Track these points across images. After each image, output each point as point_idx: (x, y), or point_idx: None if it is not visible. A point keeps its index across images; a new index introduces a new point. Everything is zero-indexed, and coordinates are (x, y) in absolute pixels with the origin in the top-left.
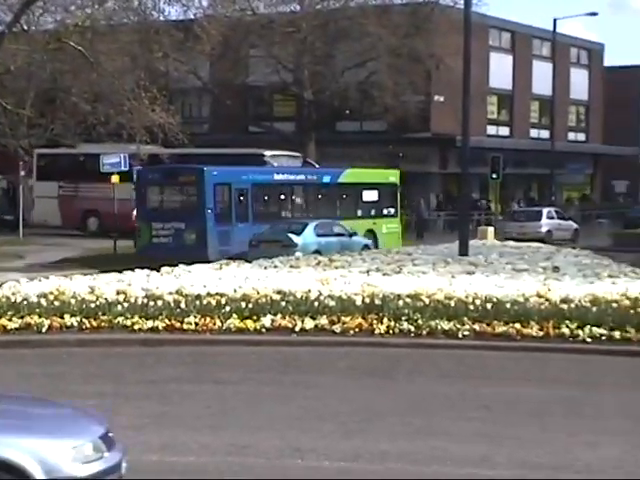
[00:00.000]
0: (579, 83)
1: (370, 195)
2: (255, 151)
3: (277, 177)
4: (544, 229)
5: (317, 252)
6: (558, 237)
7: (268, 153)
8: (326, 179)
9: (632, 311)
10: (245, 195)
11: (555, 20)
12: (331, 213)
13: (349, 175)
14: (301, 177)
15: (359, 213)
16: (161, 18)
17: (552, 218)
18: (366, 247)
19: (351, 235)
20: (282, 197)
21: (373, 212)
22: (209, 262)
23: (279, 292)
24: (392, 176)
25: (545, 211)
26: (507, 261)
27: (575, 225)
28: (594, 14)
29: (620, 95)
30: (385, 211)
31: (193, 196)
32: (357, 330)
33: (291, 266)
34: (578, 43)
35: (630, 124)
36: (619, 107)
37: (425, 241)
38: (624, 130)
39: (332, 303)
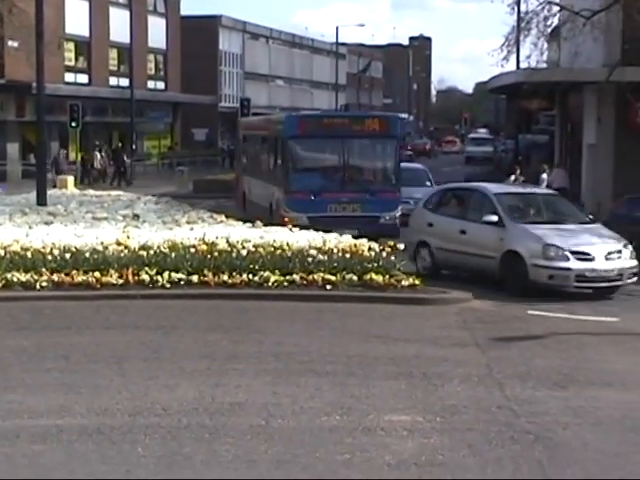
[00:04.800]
0: (157, 31)
1: None
2: None
3: None
4: None
5: None
6: None
7: None
8: None
9: (209, 255)
10: None
11: None
12: None
13: None
14: None
15: None
16: None
17: None
18: None
19: None
20: None
21: None
22: None
23: None
24: None
25: None
26: (87, 210)
27: None
28: None
29: (198, 44)
30: None
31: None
32: None
33: None
34: None
35: (208, 73)
36: (197, 56)
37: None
38: (202, 79)
39: None
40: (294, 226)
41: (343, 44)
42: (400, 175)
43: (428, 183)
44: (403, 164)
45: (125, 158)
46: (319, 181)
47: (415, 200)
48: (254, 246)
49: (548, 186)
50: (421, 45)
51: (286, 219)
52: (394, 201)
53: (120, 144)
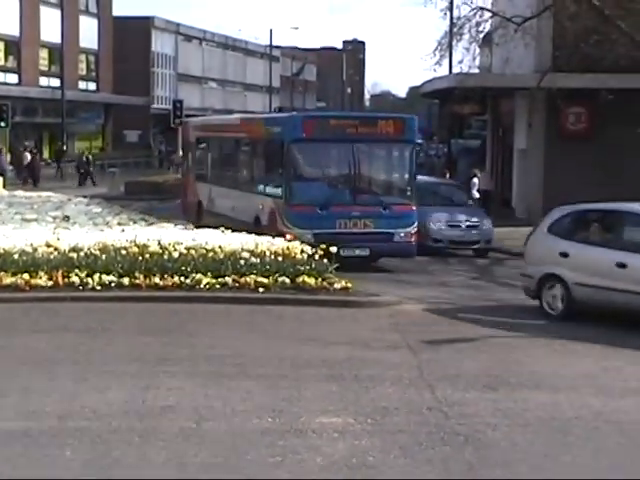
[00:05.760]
0: (89, 32)
1: None
2: None
3: None
4: None
5: None
6: None
7: None
8: None
9: (140, 257)
10: None
11: None
12: None
13: None
14: None
15: None
16: None
17: None
18: None
19: None
20: None
21: None
22: None
23: None
24: None
25: None
26: (16, 211)
27: None
28: None
29: (130, 45)
30: None
31: None
32: None
33: None
34: None
35: (141, 74)
36: (130, 57)
37: None
38: (135, 80)
39: None
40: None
41: (277, 47)
42: (416, 185)
43: (470, 202)
44: (432, 179)
45: (86, 159)
46: (326, 192)
47: (470, 224)
48: (186, 248)
49: (477, 189)
50: (355, 49)
51: (288, 237)
52: (410, 215)
53: (89, 153)
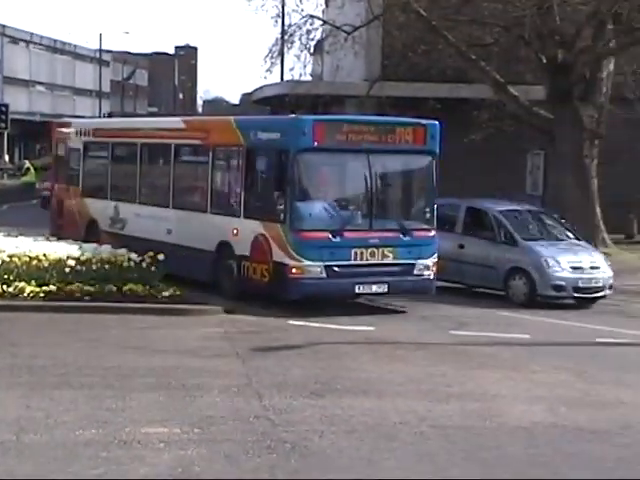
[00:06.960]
0: None
1: None
2: None
3: None
4: None
5: None
6: None
7: None
8: None
9: None
10: None
11: None
12: None
13: None
14: None
15: None
16: None
17: None
18: None
19: None
20: None
21: None
22: None
23: None
24: None
25: None
26: None
27: None
28: None
29: None
30: None
31: None
32: None
33: None
34: None
35: None
36: None
37: None
38: None
39: None
40: (302, 279)
41: (107, 51)
42: (435, 206)
43: (570, 235)
44: (519, 205)
45: None
46: (340, 214)
47: (593, 264)
48: (9, 256)
49: None
50: (187, 54)
51: (294, 270)
52: (431, 243)
53: None
